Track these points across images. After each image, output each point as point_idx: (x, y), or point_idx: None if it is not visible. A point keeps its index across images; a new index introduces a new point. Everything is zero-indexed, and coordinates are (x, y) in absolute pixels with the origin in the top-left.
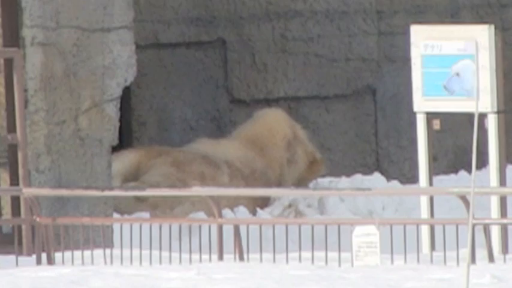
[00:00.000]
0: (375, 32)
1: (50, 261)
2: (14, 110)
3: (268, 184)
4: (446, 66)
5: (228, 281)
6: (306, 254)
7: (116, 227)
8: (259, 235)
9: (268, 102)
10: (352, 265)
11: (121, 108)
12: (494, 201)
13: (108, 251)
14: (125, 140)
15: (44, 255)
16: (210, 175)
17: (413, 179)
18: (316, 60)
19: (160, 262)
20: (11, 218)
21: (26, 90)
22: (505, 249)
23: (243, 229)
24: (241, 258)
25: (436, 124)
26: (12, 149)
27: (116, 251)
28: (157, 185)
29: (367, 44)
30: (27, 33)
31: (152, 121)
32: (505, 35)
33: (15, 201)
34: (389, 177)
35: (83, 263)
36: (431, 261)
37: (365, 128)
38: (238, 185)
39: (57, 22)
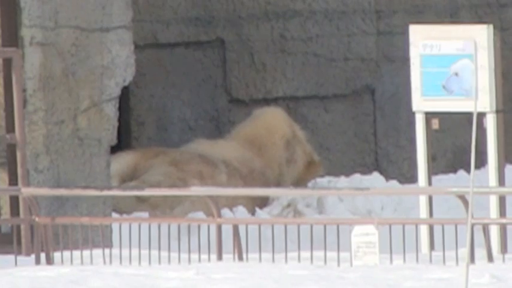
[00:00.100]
0: (374, 31)
1: (49, 261)
2: (12, 110)
3: (266, 184)
4: (445, 66)
5: (227, 280)
6: (305, 254)
7: (115, 226)
8: (258, 235)
9: (267, 102)
10: (351, 265)
11: (120, 108)
12: (493, 201)
13: (107, 250)
14: (123, 140)
15: (43, 255)
16: (208, 174)
17: (412, 178)
18: (315, 60)
19: (159, 262)
20: (10, 218)
21: (24, 90)
22: (504, 249)
23: (242, 229)
24: (240, 258)
25: (435, 124)
26: (11, 148)
27: (115, 251)
28: (159, 184)
29: (366, 44)
30: (26, 33)
31: (151, 121)
32: (503, 34)
33: (14, 201)
34: (388, 177)
35: (82, 262)
36: (430, 260)
37: (364, 127)
38: (236, 184)
39: (55, 22)
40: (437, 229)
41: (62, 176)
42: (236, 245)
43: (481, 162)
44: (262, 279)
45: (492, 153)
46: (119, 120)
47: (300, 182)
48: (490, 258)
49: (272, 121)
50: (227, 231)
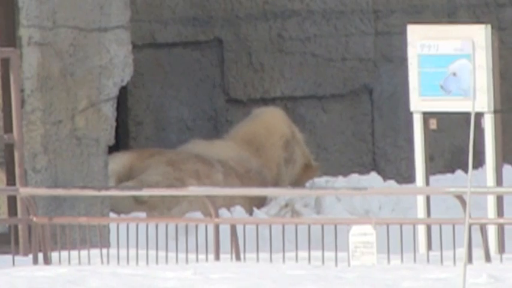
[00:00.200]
0: (372, 31)
1: (47, 260)
2: (10, 110)
3: (264, 183)
4: (443, 65)
5: (225, 280)
6: (303, 254)
7: (113, 226)
8: (255, 235)
9: (265, 101)
10: (349, 265)
11: (118, 108)
12: (491, 201)
13: (104, 250)
14: (121, 140)
15: (40, 255)
16: (204, 173)
17: (410, 178)
18: (313, 59)
19: (157, 262)
20: (8, 218)
21: (22, 90)
22: (501, 249)
23: (239, 229)
24: (238, 258)
25: (433, 124)
26: (9, 148)
27: (113, 251)
28: (157, 185)
29: (364, 44)
30: (23, 33)
31: (149, 121)
32: (501, 34)
33: (12, 200)
34: (386, 177)
35: (79, 262)
36: (428, 260)
37: (362, 127)
38: (233, 183)
39: (53, 22)
40: (435, 229)
41: (60, 176)
42: (234, 244)
43: (479, 162)
44: (260, 279)
45: (490, 153)
46: (117, 120)
47: (296, 184)
48: (488, 258)
49: (271, 121)
50: (225, 231)
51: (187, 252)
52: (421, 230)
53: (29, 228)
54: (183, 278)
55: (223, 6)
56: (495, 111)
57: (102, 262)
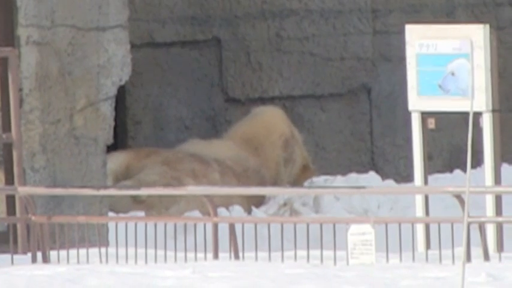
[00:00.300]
0: (370, 31)
1: (45, 259)
2: (9, 109)
3: (262, 183)
4: (441, 65)
5: (224, 279)
6: (301, 253)
7: (111, 225)
8: (254, 234)
9: (263, 101)
10: (348, 263)
11: (116, 108)
12: (489, 200)
13: (103, 249)
14: (120, 139)
15: (39, 254)
16: (201, 172)
17: (408, 177)
18: (311, 59)
19: (156, 261)
20: (6, 217)
21: (21, 90)
22: (500, 248)
23: (238, 228)
24: (237, 257)
25: (431, 123)
26: (7, 148)
27: (111, 250)
28: (154, 184)
29: (362, 43)
30: (22, 32)
31: (147, 120)
32: (500, 34)
33: (11, 200)
34: (384, 176)
35: (78, 261)
36: (427, 259)
37: (360, 126)
38: (230, 182)
39: (52, 21)
40: (433, 228)
41: (58, 175)
42: (232, 243)
43: (477, 161)
44: (259, 278)
45: (488, 152)
46: (115, 119)
47: (294, 184)
48: (486, 257)
49: (271, 120)
50: (223, 230)
51: (186, 251)
52: (420, 229)
53: (27, 227)
54: (182, 277)
55: (222, 5)
56: (493, 111)
57: (100, 261)
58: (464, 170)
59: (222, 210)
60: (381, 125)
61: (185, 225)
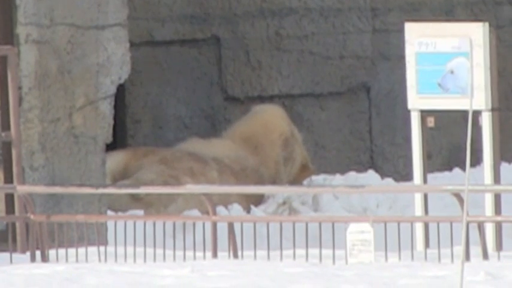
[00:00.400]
0: (369, 29)
1: (44, 258)
2: (8, 108)
3: (261, 181)
4: (440, 63)
5: (222, 278)
6: (300, 252)
7: (110, 224)
8: (253, 232)
9: (263, 99)
10: (346, 262)
11: (115, 106)
12: (488, 199)
13: (102, 248)
14: (119, 138)
15: (38, 253)
16: (199, 171)
17: (407, 176)
18: (310, 57)
19: (155, 259)
20: (5, 216)
21: (20, 88)
22: (499, 247)
23: (237, 226)
24: (236, 256)
25: (430, 122)
26: (6, 146)
27: (110, 249)
28: (152, 183)
29: (362, 42)
30: (21, 30)
31: (146, 119)
32: (499, 32)
33: (9, 198)
34: (383, 175)
35: (77, 260)
36: (426, 258)
37: (359, 125)
38: (228, 181)
39: (51, 20)
40: (432, 227)
41: (57, 173)
42: (231, 242)
43: (477, 160)
44: (257, 277)
45: (487, 151)
46: (115, 118)
47: (293, 183)
48: (485, 255)
49: (271, 119)
50: (222, 228)
51: (184, 249)
52: (419, 227)
53: (26, 226)
54: (181, 276)
55: (221, 4)
56: (493, 109)
57: (99, 260)
58: (463, 168)
59: (220, 209)
60: (380, 123)
61: (184, 224)
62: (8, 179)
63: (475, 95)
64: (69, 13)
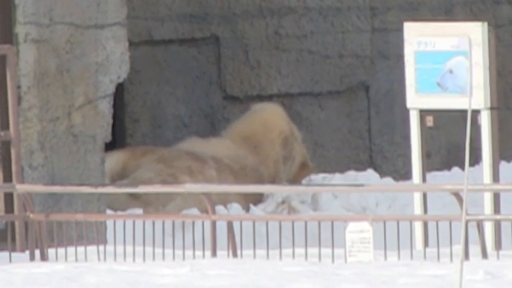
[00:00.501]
0: (369, 28)
1: (43, 257)
2: (7, 107)
3: (260, 180)
4: (439, 62)
5: (222, 277)
6: (300, 250)
7: (109, 223)
8: (252, 231)
9: (262, 98)
10: (346, 261)
11: (114, 105)
12: (488, 198)
13: (101, 247)
14: (118, 137)
15: (37, 252)
16: (197, 169)
17: (406, 175)
18: (309, 56)
19: (154, 258)
20: (4, 215)
21: (19, 87)
22: (498, 246)
23: (236, 225)
24: (235, 255)
25: (429, 121)
26: (5, 145)
27: (110, 248)
28: (150, 181)
29: (361, 41)
30: (20, 29)
31: (145, 118)
32: (498, 31)
33: (9, 197)
34: (382, 174)
35: (76, 259)
36: (425, 257)
37: (358, 124)
38: (227, 180)
39: (50, 19)
40: (431, 226)
41: (57, 172)
42: (230, 241)
43: (476, 159)
44: (257, 276)
45: (486, 150)
46: (114, 117)
47: (292, 182)
48: (484, 254)
49: (270, 117)
50: (221, 227)
51: (183, 248)
52: (418, 226)
53: (25, 225)
54: (180, 275)
55: (220, 3)
56: (492, 108)
57: (98, 259)
58: (462, 167)
59: (220, 208)
60: (379, 122)
61: (183, 223)
62: (7, 178)
63: (474, 94)
64: (68, 12)
